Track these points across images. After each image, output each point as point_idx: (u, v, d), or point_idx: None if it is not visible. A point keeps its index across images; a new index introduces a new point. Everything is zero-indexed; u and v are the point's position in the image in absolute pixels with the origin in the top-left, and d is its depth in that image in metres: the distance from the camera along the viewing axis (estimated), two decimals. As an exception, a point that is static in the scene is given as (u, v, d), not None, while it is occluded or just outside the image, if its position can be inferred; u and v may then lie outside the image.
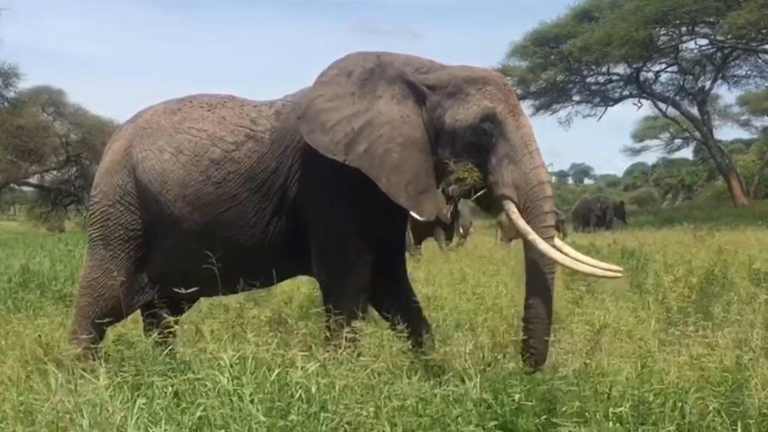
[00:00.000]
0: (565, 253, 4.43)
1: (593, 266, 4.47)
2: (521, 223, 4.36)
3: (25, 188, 41.90)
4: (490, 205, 4.64)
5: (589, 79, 39.62)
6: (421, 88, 4.63)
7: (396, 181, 4.51)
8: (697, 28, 34.70)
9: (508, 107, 4.52)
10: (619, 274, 4.50)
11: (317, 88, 4.70)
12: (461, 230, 15.29)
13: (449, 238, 14.52)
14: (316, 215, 4.72)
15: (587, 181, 78.12)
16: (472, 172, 4.44)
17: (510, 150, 4.44)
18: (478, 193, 4.53)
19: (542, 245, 4.29)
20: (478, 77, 4.62)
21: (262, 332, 4.22)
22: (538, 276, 4.39)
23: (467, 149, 4.49)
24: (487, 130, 4.47)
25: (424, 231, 13.95)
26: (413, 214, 4.69)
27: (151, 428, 3.34)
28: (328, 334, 4.50)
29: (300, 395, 3.52)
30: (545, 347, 4.32)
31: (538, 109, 39.69)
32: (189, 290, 4.70)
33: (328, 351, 4.11)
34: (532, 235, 4.31)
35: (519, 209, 4.40)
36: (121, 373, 3.98)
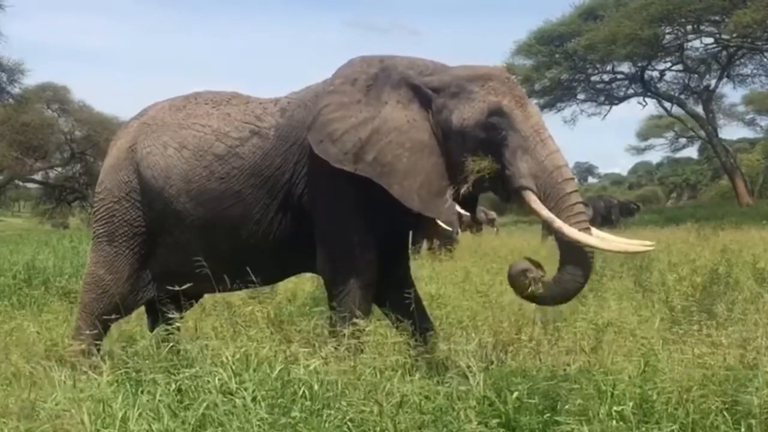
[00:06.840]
0: (593, 234, 4.40)
1: (625, 244, 4.54)
2: (544, 212, 4.33)
3: (30, 185, 41.96)
4: (510, 196, 4.59)
5: (593, 78, 39.44)
6: (426, 90, 4.62)
7: (408, 186, 4.51)
8: (702, 27, 34.52)
9: (513, 99, 4.51)
10: (651, 247, 4.62)
11: (324, 98, 4.70)
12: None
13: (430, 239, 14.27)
14: (322, 213, 4.72)
15: (591, 179, 77.70)
16: (485, 161, 4.40)
17: (522, 141, 4.42)
18: (488, 185, 4.52)
19: (569, 230, 4.26)
20: (481, 74, 4.62)
21: (264, 329, 4.22)
22: (574, 250, 4.32)
23: (479, 146, 4.47)
24: (495, 124, 4.45)
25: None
26: (432, 216, 4.65)
27: (154, 424, 3.35)
28: (331, 330, 4.50)
29: (303, 392, 3.52)
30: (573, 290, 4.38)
31: (542, 107, 39.38)
32: (193, 287, 4.72)
33: (331, 348, 4.11)
34: (558, 223, 4.29)
35: (540, 198, 4.38)
36: (124, 370, 3.99)
